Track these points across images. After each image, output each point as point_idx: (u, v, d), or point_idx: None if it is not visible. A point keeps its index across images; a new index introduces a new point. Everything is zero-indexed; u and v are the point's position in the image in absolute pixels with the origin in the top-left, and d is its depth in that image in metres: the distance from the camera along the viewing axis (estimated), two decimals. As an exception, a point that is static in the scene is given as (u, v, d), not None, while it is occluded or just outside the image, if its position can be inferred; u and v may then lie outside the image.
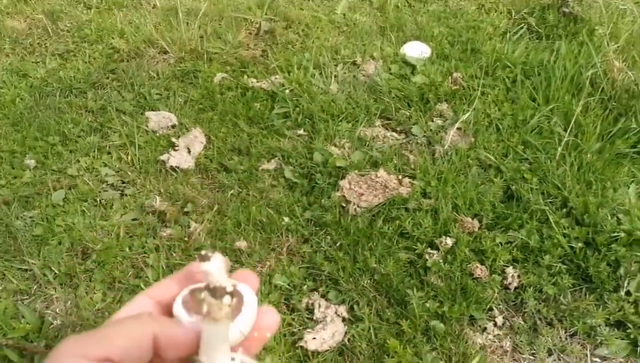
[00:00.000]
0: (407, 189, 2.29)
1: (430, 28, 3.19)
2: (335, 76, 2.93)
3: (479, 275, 2.00)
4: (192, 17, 3.34)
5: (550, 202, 2.19)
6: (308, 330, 1.92)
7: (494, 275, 2.01)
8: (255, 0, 3.54)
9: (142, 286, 2.10)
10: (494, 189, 2.25)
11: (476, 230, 2.13)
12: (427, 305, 1.93)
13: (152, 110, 2.86)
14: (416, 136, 2.57)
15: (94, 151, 2.67)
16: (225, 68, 3.07)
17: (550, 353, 1.89)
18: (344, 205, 2.27)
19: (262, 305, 0.62)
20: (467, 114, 2.56)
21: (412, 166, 2.41)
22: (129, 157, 2.64)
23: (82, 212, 2.41)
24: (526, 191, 2.22)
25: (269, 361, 1.84)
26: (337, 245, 2.15)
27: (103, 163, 2.63)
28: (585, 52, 2.80)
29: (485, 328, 1.94)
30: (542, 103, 2.61)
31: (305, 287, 2.05)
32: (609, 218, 2.08)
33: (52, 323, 2.06)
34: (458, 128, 2.55)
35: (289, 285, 2.06)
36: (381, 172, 2.33)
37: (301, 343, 1.87)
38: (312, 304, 1.99)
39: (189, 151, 2.61)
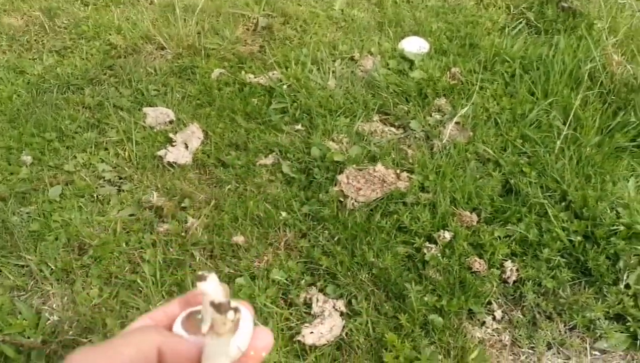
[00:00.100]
0: (405, 183, 2.28)
1: (429, 23, 3.18)
2: (333, 72, 2.92)
3: (477, 268, 1.99)
4: (189, 13, 3.33)
5: (549, 196, 2.18)
6: (306, 324, 1.90)
7: (492, 269, 2.00)
8: (253, -4, 3.54)
9: (139, 281, 2.09)
10: (492, 183, 2.24)
11: (474, 223, 2.12)
12: (426, 299, 1.92)
13: (150, 106, 2.85)
14: (414, 130, 2.56)
15: (91, 147, 2.66)
16: (223, 64, 3.06)
17: (549, 346, 1.88)
18: (342, 200, 2.26)
19: (257, 326, 0.65)
20: (466, 109, 2.55)
21: (410, 161, 2.40)
22: (126, 153, 2.63)
23: (79, 208, 2.40)
24: (525, 185, 2.21)
25: (266, 356, 1.82)
26: (335, 239, 2.14)
27: (100, 158, 2.62)
28: (584, 46, 2.79)
29: (484, 322, 1.93)
30: (541, 97, 2.60)
31: (303, 282, 2.04)
32: (608, 211, 2.07)
33: (48, 319, 2.05)
34: (456, 123, 2.54)
35: (286, 279, 2.05)
36: (379, 166, 2.32)
37: (299, 338, 1.86)
38: (310, 299, 1.98)
39: (187, 147, 2.60)
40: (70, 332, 2.00)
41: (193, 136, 2.64)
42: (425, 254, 2.03)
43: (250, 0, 3.49)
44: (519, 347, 1.88)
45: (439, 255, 2.03)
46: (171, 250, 2.19)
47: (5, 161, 2.60)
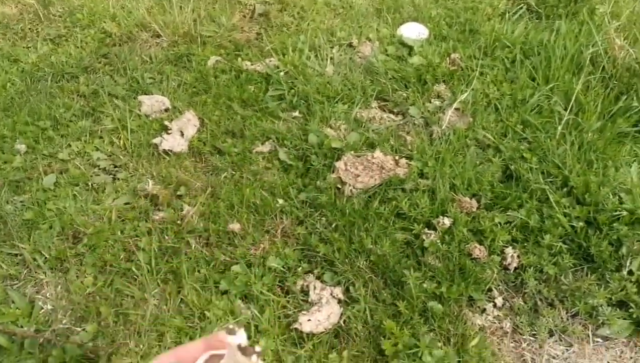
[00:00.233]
0: (403, 169, 2.24)
1: (428, 9, 3.13)
2: (331, 58, 2.88)
3: (477, 255, 1.96)
4: (185, 0, 3.28)
5: (551, 181, 2.14)
6: (303, 312, 1.87)
7: (493, 256, 1.97)
8: (250, -16, 3.49)
9: (134, 269, 2.06)
10: (492, 169, 2.20)
11: (474, 209, 2.09)
12: (425, 285, 1.88)
13: (145, 94, 2.81)
14: (413, 117, 2.52)
15: (86, 136, 2.63)
16: (219, 51, 3.01)
17: (551, 334, 1.84)
18: (340, 186, 2.22)
19: None
20: (466, 95, 2.51)
21: (409, 147, 2.36)
22: (122, 141, 2.59)
23: (74, 196, 2.36)
24: (525, 171, 2.17)
25: (263, 344, 1.80)
26: (333, 226, 2.10)
27: (95, 147, 2.58)
28: (586, 31, 2.74)
29: (484, 309, 1.89)
30: (542, 83, 2.56)
31: (300, 269, 2.01)
32: (611, 197, 2.03)
33: (42, 308, 2.03)
34: (456, 109, 2.50)
35: (283, 267, 2.02)
36: (377, 153, 2.29)
37: (296, 326, 1.83)
38: (307, 286, 1.95)
39: (182, 135, 2.56)
40: (64, 321, 1.97)
41: (189, 123, 2.60)
42: (424, 240, 2.00)
43: (247, -12, 3.44)
44: (520, 334, 1.85)
45: (439, 241, 2.00)
46: (167, 237, 2.15)
47: (-1, 150, 2.57)
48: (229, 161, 2.41)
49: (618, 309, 1.85)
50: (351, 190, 2.20)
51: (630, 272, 1.89)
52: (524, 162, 2.21)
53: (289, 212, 2.19)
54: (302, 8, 3.26)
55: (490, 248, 1.99)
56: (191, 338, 1.85)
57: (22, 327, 1.96)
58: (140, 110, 2.71)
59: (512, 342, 1.84)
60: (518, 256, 1.96)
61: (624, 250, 1.92)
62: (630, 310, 1.83)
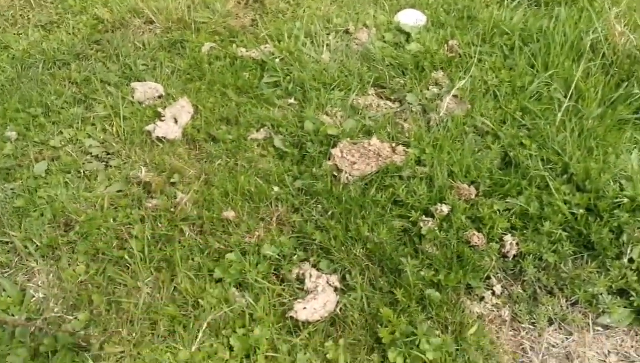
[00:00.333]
0: (401, 157, 2.21)
1: (426, -4, 3.09)
2: (327, 45, 2.84)
3: (475, 242, 1.93)
4: (179, -14, 3.23)
5: (550, 168, 2.11)
6: (298, 300, 1.84)
7: (491, 243, 1.94)
8: (245, -30, 3.43)
9: (127, 257, 2.02)
10: (491, 156, 2.17)
11: (473, 196, 2.05)
12: (422, 273, 1.85)
13: (138, 81, 2.77)
14: (411, 104, 2.48)
15: (78, 123, 2.58)
16: (214, 38, 2.97)
17: (550, 322, 1.82)
18: (336, 174, 2.19)
19: None
20: (464, 81, 2.48)
21: (407, 134, 2.33)
22: (114, 128, 2.55)
23: (65, 184, 2.32)
24: (525, 158, 2.14)
25: (257, 332, 1.77)
26: (329, 213, 2.07)
27: (87, 134, 2.54)
28: (586, 17, 2.70)
29: (482, 297, 1.87)
30: (541, 69, 2.52)
31: (295, 257, 1.98)
32: (611, 184, 2.00)
33: (33, 296, 1.99)
34: (454, 95, 2.46)
35: (278, 255, 1.98)
36: (374, 140, 2.25)
37: (291, 314, 1.80)
38: (303, 274, 1.92)
39: (176, 122, 2.52)
40: (56, 309, 1.94)
41: (183, 110, 2.56)
42: (421, 228, 1.97)
43: (242, -26, 3.39)
44: (519, 322, 1.82)
45: (436, 228, 1.96)
46: (160, 225, 2.12)
47: (-11, 137, 2.53)
48: (223, 148, 2.38)
49: (618, 297, 1.83)
50: (347, 177, 2.16)
51: (631, 260, 1.86)
52: (523, 149, 2.18)
53: (284, 199, 2.15)
54: (298, -6, 3.22)
55: (489, 236, 1.96)
56: (184, 327, 1.82)
57: (13, 315, 1.92)
58: (133, 97, 2.67)
59: (510, 330, 1.81)
60: (517, 244, 1.93)
61: (624, 237, 1.89)
62: (631, 298, 1.81)
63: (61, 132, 2.54)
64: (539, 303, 1.84)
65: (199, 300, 1.87)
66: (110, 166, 2.40)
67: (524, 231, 1.97)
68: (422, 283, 1.84)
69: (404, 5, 3.04)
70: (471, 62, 2.59)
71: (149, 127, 2.50)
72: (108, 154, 2.46)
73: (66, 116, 2.61)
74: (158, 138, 2.46)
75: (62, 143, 2.50)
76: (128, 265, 2.01)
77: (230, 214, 2.11)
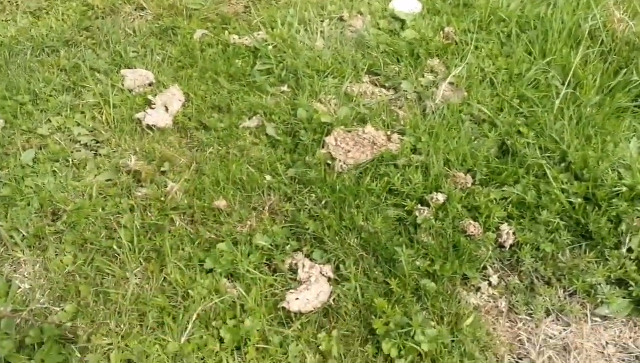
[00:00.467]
0: (396, 145, 2.17)
1: (421, -18, 3.04)
2: (321, 32, 2.79)
3: (472, 232, 1.89)
4: (171, -28, 3.17)
5: (548, 156, 2.07)
6: (291, 290, 1.80)
7: (488, 232, 1.90)
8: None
9: (115, 247, 1.98)
10: (488, 144, 2.13)
11: (469, 185, 2.02)
12: (417, 263, 1.82)
13: (129, 68, 2.72)
14: (406, 91, 2.44)
15: (66, 110, 2.53)
16: (206, 24, 2.92)
17: (548, 313, 1.78)
18: (330, 162, 2.14)
19: None
20: (460, 68, 2.43)
21: (402, 122, 2.28)
22: (104, 116, 2.50)
23: (53, 172, 2.28)
24: (522, 146, 2.10)
25: (249, 323, 1.72)
26: (322, 202, 2.03)
27: (76, 122, 2.49)
28: (584, 3, 2.66)
29: (479, 288, 1.83)
30: (539, 57, 2.48)
31: (288, 247, 1.94)
32: (610, 172, 1.96)
33: (19, 287, 1.95)
34: (450, 83, 2.42)
35: (271, 245, 1.94)
36: (369, 128, 2.21)
37: (283, 304, 1.76)
38: (296, 264, 1.88)
39: (167, 109, 2.47)
40: (42, 300, 1.90)
41: (174, 98, 2.51)
42: (417, 217, 1.93)
43: (235, -40, 3.33)
44: (516, 313, 1.78)
45: (432, 217, 1.93)
46: (149, 215, 2.07)
47: (-25, 125, 2.47)
48: (214, 136, 2.33)
49: (617, 287, 1.79)
50: (341, 166, 2.12)
51: (630, 249, 1.82)
52: (521, 137, 2.14)
53: (276, 188, 2.11)
54: (292, -19, 3.16)
55: (485, 225, 1.92)
56: (174, 318, 1.78)
57: (-2, 306, 1.88)
58: (123, 84, 2.63)
59: (507, 322, 1.78)
60: (514, 233, 1.90)
61: (623, 226, 1.85)
62: (630, 289, 1.77)
63: (49, 120, 2.49)
64: (536, 293, 1.80)
65: (189, 291, 1.83)
66: (100, 155, 2.35)
67: (521, 221, 1.93)
68: (417, 273, 1.80)
69: (399, -8, 2.98)
70: (467, 49, 2.55)
71: (139, 115, 2.45)
72: (97, 142, 2.42)
73: (54, 103, 2.55)
74: (148, 126, 2.42)
75: (50, 131, 2.45)
76: (117, 255, 1.97)
77: (221, 203, 2.06)
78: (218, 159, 2.24)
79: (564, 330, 1.75)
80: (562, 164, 2.05)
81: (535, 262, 1.85)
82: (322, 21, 2.86)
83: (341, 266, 1.87)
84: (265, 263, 1.92)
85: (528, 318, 1.78)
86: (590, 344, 1.72)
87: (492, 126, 2.22)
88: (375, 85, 2.52)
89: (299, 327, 1.74)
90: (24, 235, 2.07)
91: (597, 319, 1.77)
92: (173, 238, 1.99)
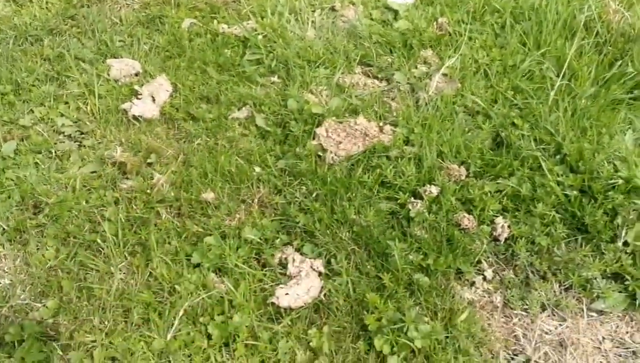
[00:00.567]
0: (388, 136, 2.12)
1: (414, -27, 2.99)
2: (312, 22, 2.73)
3: (466, 225, 1.85)
4: (158, -40, 3.10)
5: (543, 149, 2.04)
6: (281, 285, 1.75)
7: (482, 226, 1.86)
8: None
9: (99, 241, 1.92)
10: (482, 136, 2.09)
11: (463, 177, 1.98)
12: (410, 257, 1.77)
13: (115, 57, 2.65)
14: (399, 82, 2.39)
15: (50, 101, 2.46)
16: (194, 13, 2.85)
17: (543, 308, 1.74)
18: (321, 154, 2.10)
19: None
20: (454, 59, 2.39)
21: (394, 113, 2.24)
22: (88, 107, 2.43)
23: (35, 164, 2.21)
24: (517, 138, 2.06)
25: (237, 319, 1.67)
26: (313, 195, 1.98)
27: (60, 113, 2.42)
28: (579, -6, 2.62)
29: (473, 282, 1.79)
30: (533, 48, 2.44)
31: (278, 241, 1.89)
32: (606, 165, 1.93)
33: (-1, 283, 1.88)
34: (444, 74, 2.38)
35: (260, 238, 1.89)
36: (361, 119, 2.16)
37: (273, 300, 1.71)
38: (286, 258, 1.83)
39: (154, 100, 2.41)
40: (23, 296, 1.84)
41: (161, 88, 2.45)
42: (410, 210, 1.89)
43: (224, -52, 3.26)
44: (512, 308, 1.75)
45: (425, 211, 1.88)
46: (135, 207, 2.01)
47: (-45, 115, 2.40)
48: (203, 127, 2.27)
49: (613, 282, 1.76)
50: (333, 158, 2.07)
51: (626, 243, 1.79)
52: (515, 129, 2.10)
53: (266, 181, 2.06)
54: (282, -30, 3.10)
55: (480, 218, 1.89)
56: (160, 314, 1.73)
57: (-23, 302, 1.82)
58: (109, 74, 2.56)
59: (502, 317, 1.74)
60: (509, 227, 1.86)
61: (619, 219, 1.82)
62: (626, 283, 1.74)
63: (32, 111, 2.42)
64: (532, 288, 1.77)
65: (176, 286, 1.78)
66: (84, 146, 2.28)
67: (516, 214, 1.90)
68: (410, 267, 1.76)
69: (391, -18, 2.93)
70: (461, 40, 2.50)
71: (126, 105, 2.39)
72: (82, 133, 2.35)
73: (37, 93, 2.48)
74: (135, 117, 2.36)
75: (33, 121, 2.38)
76: (101, 249, 1.91)
77: (209, 196, 2.01)
78: (206, 150, 2.18)
79: (560, 325, 1.71)
80: (558, 157, 2.01)
81: (530, 256, 1.82)
82: (314, 11, 2.80)
83: (332, 260, 1.82)
84: (254, 257, 1.87)
85: (523, 313, 1.74)
86: (587, 339, 1.68)
87: (486, 117, 2.18)
88: (368, 76, 2.47)
89: (289, 322, 1.69)
90: (4, 229, 2.01)
91: (594, 314, 1.74)
92: (159, 231, 1.93)
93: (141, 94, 2.42)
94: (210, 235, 1.90)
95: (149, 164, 2.17)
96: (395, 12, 2.73)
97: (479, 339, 1.65)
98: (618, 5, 2.48)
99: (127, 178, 2.14)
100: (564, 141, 2.03)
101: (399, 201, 1.93)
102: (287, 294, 1.71)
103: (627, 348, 1.67)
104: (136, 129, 2.31)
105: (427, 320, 1.66)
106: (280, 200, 1.99)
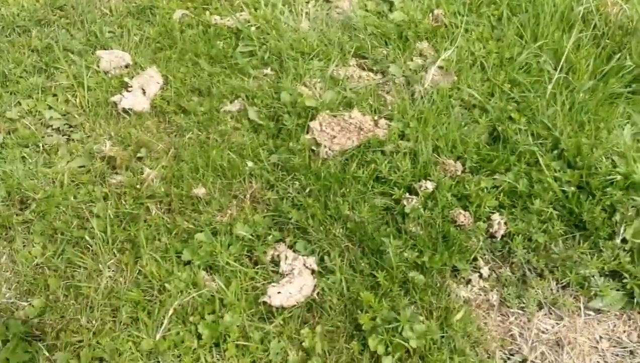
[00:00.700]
0: (383, 131, 2.08)
1: (410, -37, 2.94)
2: (306, 13, 2.68)
3: (462, 222, 1.82)
4: (149, -51, 3.04)
5: (540, 143, 2.00)
6: (273, 284, 1.71)
7: (478, 222, 1.83)
8: None
9: (87, 237, 1.88)
10: (478, 130, 2.05)
11: (459, 173, 1.94)
12: (405, 254, 1.74)
13: (104, 49, 2.60)
14: (394, 75, 2.35)
15: (38, 93, 2.42)
16: (186, 4, 2.80)
17: (540, 306, 1.71)
18: (314, 148, 2.06)
19: None
20: (450, 52, 2.35)
21: (389, 107, 2.20)
22: (77, 99, 2.38)
23: (22, 158, 2.17)
24: (514, 132, 2.03)
25: (228, 319, 1.64)
26: (306, 191, 1.94)
27: (48, 105, 2.37)
28: (577, -15, 2.58)
29: (469, 280, 1.76)
30: (530, 40, 2.40)
31: (270, 237, 1.85)
32: (604, 160, 1.90)
33: (-16, 281, 1.84)
34: (440, 67, 2.34)
35: (252, 235, 1.85)
36: (355, 113, 2.12)
37: (264, 299, 1.67)
38: (278, 256, 1.79)
39: (144, 92, 2.36)
40: (8, 295, 1.80)
41: (151, 80, 2.40)
42: (405, 206, 1.85)
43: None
44: (508, 307, 1.72)
45: (420, 207, 1.85)
46: (124, 203, 1.97)
47: (-60, 108, 2.34)
48: (194, 120, 2.23)
49: (611, 279, 1.73)
50: (327, 152, 2.03)
51: (624, 240, 1.77)
52: (512, 123, 2.07)
53: (258, 175, 2.02)
54: (276, -40, 3.04)
55: (476, 214, 1.85)
56: (149, 313, 1.69)
57: (-39, 301, 1.77)
58: (98, 66, 2.51)
59: (499, 316, 1.71)
60: (505, 223, 1.83)
61: (617, 216, 1.79)
62: (624, 281, 1.71)
63: (19, 103, 2.38)
64: (529, 286, 1.73)
65: (166, 284, 1.74)
66: (72, 140, 2.24)
67: (513, 210, 1.87)
68: (405, 265, 1.73)
69: (387, -28, 2.88)
70: (457, 32, 2.46)
71: (115, 98, 2.34)
72: (70, 127, 2.30)
73: (25, 85, 2.43)
74: (124, 110, 2.31)
75: (20, 114, 2.33)
76: (89, 246, 1.87)
77: (200, 191, 1.97)
78: (197, 144, 2.14)
79: (557, 324, 1.68)
80: (555, 152, 1.98)
81: (527, 253, 1.78)
82: (307, 2, 2.75)
83: (326, 258, 1.79)
84: (246, 254, 1.83)
85: (520, 312, 1.71)
86: (584, 339, 1.66)
87: (482, 111, 2.15)
88: (363, 68, 2.43)
89: (281, 322, 1.66)
90: (-10, 225, 1.96)
91: (591, 313, 1.71)
92: (149, 228, 1.89)
93: (131, 87, 2.37)
94: (201, 231, 1.86)
95: (139, 158, 2.13)
96: (391, 3, 2.69)
97: (474, 338, 1.62)
98: (616, -3, 2.44)
99: (116, 173, 2.09)
100: (562, 135, 2.00)
101: (393, 197, 1.90)
102: (279, 293, 1.68)
103: (624, 348, 1.64)
104: (126, 123, 2.26)
105: (422, 320, 1.62)
106: (273, 196, 1.96)
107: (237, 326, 1.63)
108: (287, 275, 1.74)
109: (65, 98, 2.39)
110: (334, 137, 2.06)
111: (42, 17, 2.80)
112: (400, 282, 1.71)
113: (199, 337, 1.63)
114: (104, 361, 1.61)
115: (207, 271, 1.79)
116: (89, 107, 2.35)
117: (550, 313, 1.71)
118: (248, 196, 1.96)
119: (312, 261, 1.76)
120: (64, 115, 2.34)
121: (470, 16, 2.57)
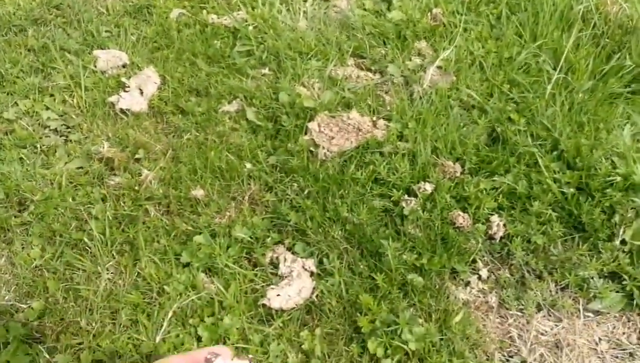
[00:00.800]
0: (382, 131, 2.08)
1: (408, -39, 2.92)
2: (304, 12, 2.67)
3: (461, 223, 1.81)
4: (146, -53, 3.02)
5: (539, 144, 2.00)
6: (272, 286, 1.71)
7: (477, 224, 1.83)
8: None
9: (86, 240, 1.87)
10: (477, 131, 2.05)
11: (458, 174, 1.94)
12: (404, 257, 1.74)
13: (101, 49, 2.59)
14: (392, 75, 2.34)
15: (35, 93, 2.40)
16: (183, 3, 2.79)
17: (539, 308, 1.71)
18: (313, 149, 2.05)
19: None
20: (448, 51, 2.34)
21: (388, 108, 2.19)
22: (74, 99, 2.37)
23: (20, 160, 2.16)
24: (513, 133, 2.02)
25: (227, 321, 1.64)
26: (305, 192, 1.93)
27: (45, 106, 2.36)
28: (576, -16, 2.58)
29: (468, 282, 1.76)
30: (529, 40, 2.39)
31: (269, 239, 1.84)
32: (603, 161, 1.90)
33: (-17, 283, 1.84)
34: (438, 67, 2.33)
35: (250, 237, 1.85)
36: (354, 113, 2.11)
37: (264, 301, 1.67)
38: (277, 258, 1.79)
39: (142, 93, 2.35)
40: (8, 297, 1.79)
41: (149, 81, 2.39)
42: (404, 208, 1.85)
43: None
44: (507, 308, 1.72)
45: (419, 208, 1.84)
46: (122, 205, 1.97)
47: (-63, 108, 2.33)
48: (192, 121, 2.22)
49: (610, 281, 1.73)
50: (325, 153, 2.03)
51: (623, 242, 1.76)
52: (511, 124, 2.06)
53: (257, 177, 2.01)
54: (274, -42, 3.03)
55: (475, 216, 1.85)
56: (148, 315, 1.69)
57: (-40, 303, 1.77)
58: (95, 66, 2.49)
59: (497, 318, 1.71)
60: (504, 225, 1.82)
61: (616, 218, 1.79)
62: (623, 282, 1.71)
63: (16, 104, 2.36)
64: (528, 288, 1.73)
65: (165, 287, 1.73)
66: (70, 141, 2.23)
67: (512, 212, 1.86)
68: (404, 267, 1.72)
69: (385, -30, 2.87)
70: (456, 31, 2.46)
71: (112, 98, 2.33)
72: (68, 127, 2.29)
73: (22, 86, 2.42)
74: (122, 110, 2.30)
75: (17, 115, 2.32)
76: (87, 248, 1.86)
77: (199, 193, 1.96)
78: (195, 145, 2.13)
79: (556, 325, 1.69)
80: (554, 153, 1.98)
81: (526, 255, 1.78)
82: (305, 1, 2.74)
83: (324, 260, 1.78)
84: (245, 256, 1.82)
85: (519, 313, 1.71)
86: (583, 340, 1.66)
87: (481, 112, 2.14)
88: (361, 68, 2.42)
89: (281, 324, 1.66)
90: (-12, 227, 1.96)
91: (590, 314, 1.71)
92: (147, 229, 1.89)
93: (128, 87, 2.36)
94: (200, 233, 1.85)
95: (137, 160, 2.12)
96: (389, 2, 2.67)
97: (473, 341, 1.62)
98: (616, -4, 2.44)
99: (114, 174, 2.09)
100: (561, 136, 1.99)
101: (392, 199, 1.90)
102: (278, 295, 1.67)
103: (623, 350, 1.64)
104: (123, 123, 2.26)
105: (421, 322, 1.63)
106: (272, 197, 1.95)
107: (237, 328, 1.63)
108: (286, 277, 1.73)
109: (63, 98, 2.38)
110: (333, 138, 2.06)
111: (38, 16, 2.78)
112: (399, 284, 1.71)
113: (199, 339, 1.63)
114: (103, 364, 1.61)
115: (206, 274, 1.79)
116: (86, 107, 2.34)
117: (549, 315, 1.71)
118: (246, 197, 1.96)
119: (310, 264, 1.76)
120: (62, 116, 2.33)
121: (468, 15, 2.56)
